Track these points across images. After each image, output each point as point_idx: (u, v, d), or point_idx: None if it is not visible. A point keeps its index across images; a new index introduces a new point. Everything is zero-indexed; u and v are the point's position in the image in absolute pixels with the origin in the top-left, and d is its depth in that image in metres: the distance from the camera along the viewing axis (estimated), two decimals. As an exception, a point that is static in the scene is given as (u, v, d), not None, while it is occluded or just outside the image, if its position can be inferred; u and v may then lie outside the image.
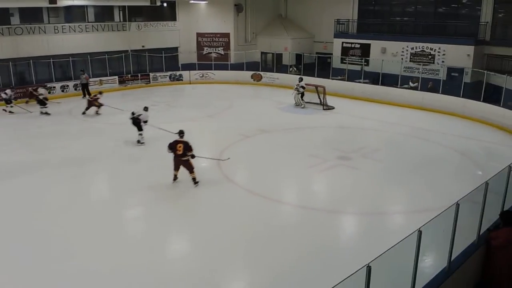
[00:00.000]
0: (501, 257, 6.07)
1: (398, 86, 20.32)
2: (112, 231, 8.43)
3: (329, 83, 21.10)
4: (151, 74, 24.49)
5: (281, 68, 25.78)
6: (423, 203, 9.68)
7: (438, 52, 20.78)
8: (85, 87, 21.19)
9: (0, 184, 10.66)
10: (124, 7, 24.05)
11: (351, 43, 24.02)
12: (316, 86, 19.50)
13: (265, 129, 15.66)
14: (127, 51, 24.00)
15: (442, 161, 12.76)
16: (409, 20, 23.27)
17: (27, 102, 18.75)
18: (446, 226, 5.43)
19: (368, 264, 3.90)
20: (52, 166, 11.95)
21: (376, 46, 22.94)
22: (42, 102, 17.67)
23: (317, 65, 23.12)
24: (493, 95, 16.92)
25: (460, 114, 17.65)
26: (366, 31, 24.27)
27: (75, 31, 22.39)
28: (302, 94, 19.24)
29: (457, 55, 19.93)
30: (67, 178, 11.10)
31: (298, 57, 25.20)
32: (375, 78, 21.21)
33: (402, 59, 21.73)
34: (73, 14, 22.70)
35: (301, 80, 19.54)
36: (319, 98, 19.43)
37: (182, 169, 10.35)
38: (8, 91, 17.92)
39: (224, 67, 25.82)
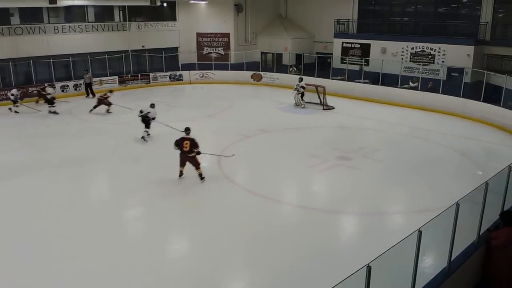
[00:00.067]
0: (501, 257, 6.07)
1: (398, 86, 20.31)
2: (112, 231, 8.43)
3: (329, 83, 21.09)
4: (151, 74, 24.48)
5: (281, 68, 25.75)
6: (423, 203, 9.68)
7: (438, 52, 20.77)
8: (88, 87, 21.21)
9: (0, 184, 10.67)
10: (124, 7, 24.05)
11: (351, 43, 24.01)
12: (316, 86, 19.49)
13: (265, 129, 15.66)
14: (127, 51, 24.00)
15: (442, 161, 12.75)
16: (409, 20, 23.26)
17: (37, 101, 18.77)
18: (446, 226, 5.42)
19: (368, 264, 3.90)
20: (52, 166, 11.95)
21: (376, 46, 22.93)
22: (50, 102, 17.70)
23: (317, 65, 23.10)
24: (493, 95, 16.91)
25: (460, 114, 17.64)
26: (366, 31, 24.26)
27: (75, 31, 22.40)
28: (302, 94, 19.23)
29: (457, 55, 19.92)
30: (67, 178, 11.10)
31: (298, 57, 25.18)
32: (375, 78, 21.20)
33: (402, 59, 21.72)
34: (73, 14, 22.71)
35: (301, 80, 19.53)
36: (319, 98, 19.42)
37: (188, 165, 10.39)
38: (14, 90, 17.92)
39: (224, 67, 25.80)
